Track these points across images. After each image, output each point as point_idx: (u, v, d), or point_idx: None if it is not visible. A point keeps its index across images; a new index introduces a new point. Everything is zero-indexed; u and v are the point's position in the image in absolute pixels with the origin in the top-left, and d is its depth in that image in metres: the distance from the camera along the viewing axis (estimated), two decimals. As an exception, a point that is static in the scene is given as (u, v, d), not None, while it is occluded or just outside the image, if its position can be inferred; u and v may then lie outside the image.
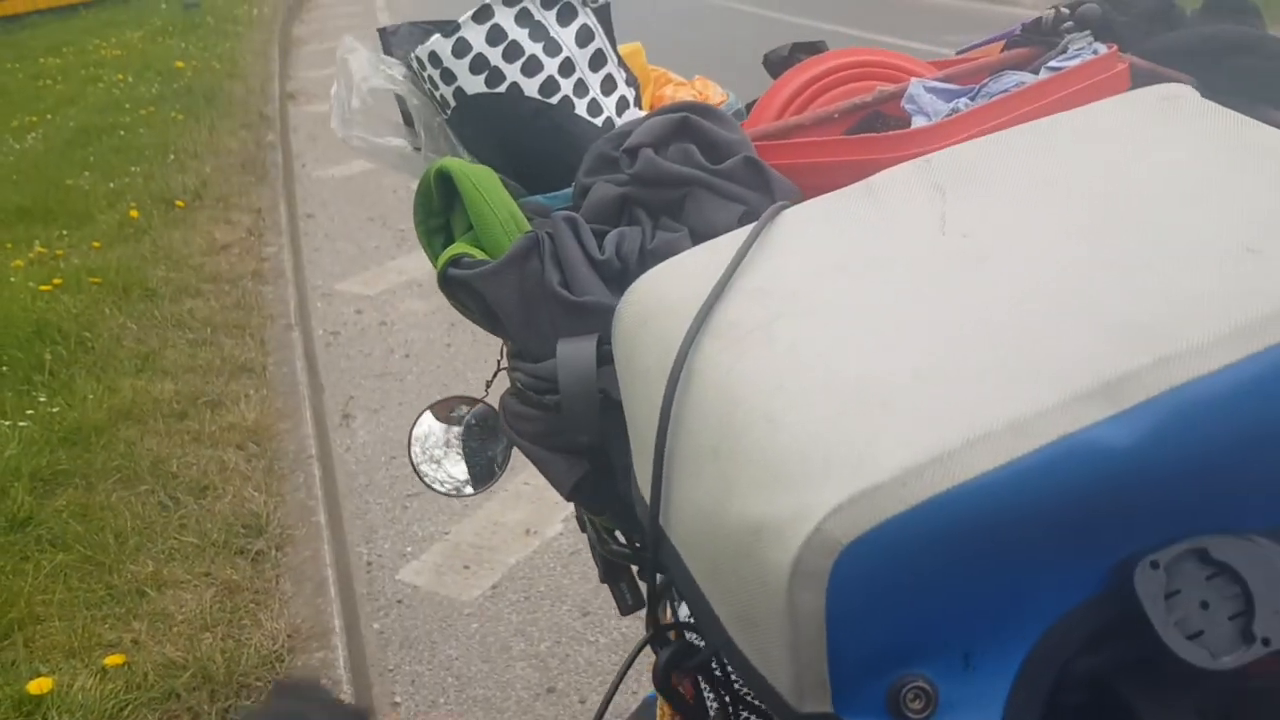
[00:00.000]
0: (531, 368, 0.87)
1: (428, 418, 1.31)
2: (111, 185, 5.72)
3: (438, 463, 1.34)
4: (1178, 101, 0.69)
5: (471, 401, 1.30)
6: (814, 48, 1.12)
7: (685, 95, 1.14)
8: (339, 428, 3.66)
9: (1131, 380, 0.50)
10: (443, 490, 1.32)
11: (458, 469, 1.32)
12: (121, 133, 6.87)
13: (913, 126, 0.91)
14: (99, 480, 2.98)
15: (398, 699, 2.49)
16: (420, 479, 1.30)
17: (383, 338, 4.27)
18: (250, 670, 2.32)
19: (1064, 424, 0.49)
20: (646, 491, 0.64)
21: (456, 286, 0.89)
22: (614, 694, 0.69)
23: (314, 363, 4.06)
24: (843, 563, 0.48)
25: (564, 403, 0.81)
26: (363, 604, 2.77)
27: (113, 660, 2.28)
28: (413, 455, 1.30)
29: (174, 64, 9.05)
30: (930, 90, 0.93)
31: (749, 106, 1.14)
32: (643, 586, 1.08)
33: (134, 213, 5.23)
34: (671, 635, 0.77)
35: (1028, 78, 0.92)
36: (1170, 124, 0.67)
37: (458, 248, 0.90)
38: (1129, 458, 0.49)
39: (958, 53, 1.20)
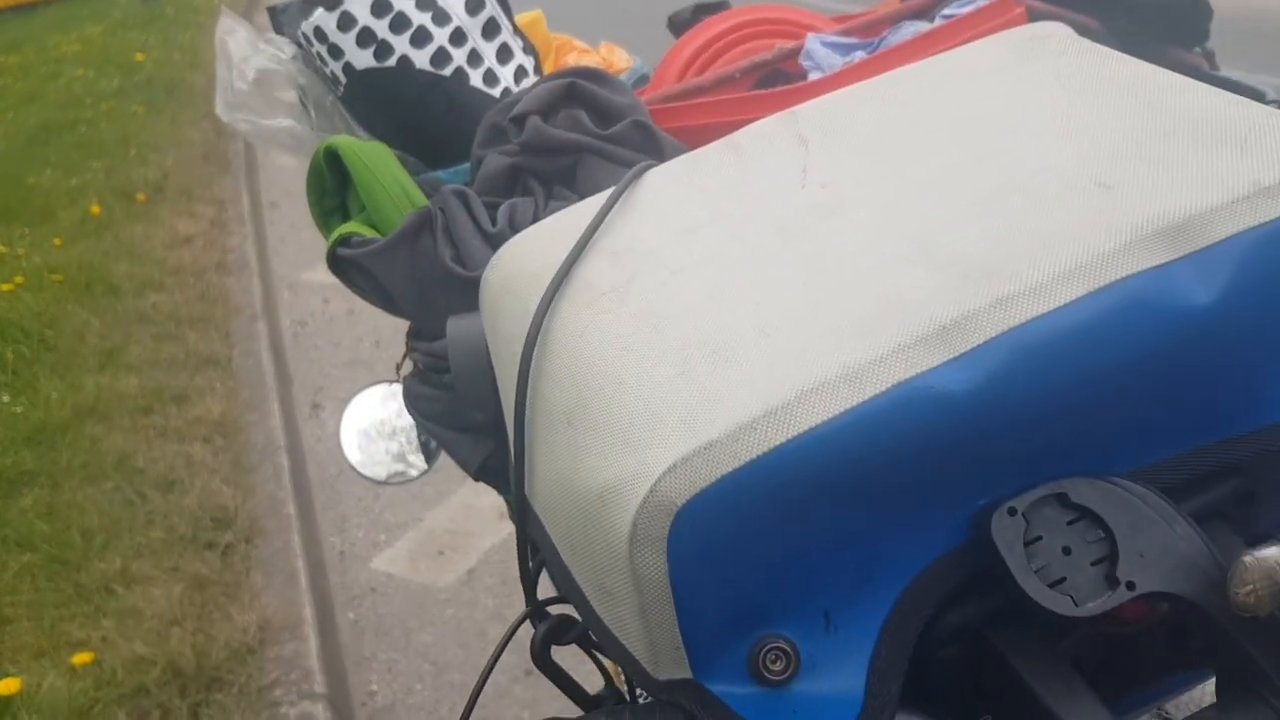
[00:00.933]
0: (428, 346, 0.86)
1: (355, 409, 1.29)
2: (73, 182, 5.66)
3: (379, 452, 1.32)
4: (1046, 40, 0.67)
5: (390, 384, 1.28)
6: (716, 7, 1.09)
7: (589, 62, 1.12)
8: (309, 418, 3.63)
9: (969, 322, 0.48)
10: (390, 480, 1.31)
11: (401, 453, 1.31)
12: (82, 128, 6.79)
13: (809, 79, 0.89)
14: (64, 479, 2.95)
15: (374, 687, 2.48)
16: (360, 475, 1.29)
17: (351, 326, 4.24)
18: (221, 664, 2.31)
19: (899, 370, 0.47)
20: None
21: (347, 266, 0.87)
22: (489, 673, 0.67)
23: (281, 353, 4.03)
24: (679, 523, 0.47)
25: (456, 381, 0.79)
26: (336, 594, 2.76)
27: (81, 658, 2.27)
28: (348, 453, 1.28)
29: (134, 57, 8.94)
30: (827, 45, 0.91)
31: (660, 71, 1.12)
32: None
33: (95, 209, 5.17)
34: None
35: (926, 27, 0.90)
36: (1035, 61, 0.65)
37: (348, 227, 0.88)
38: (971, 402, 0.47)
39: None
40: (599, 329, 0.56)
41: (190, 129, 6.77)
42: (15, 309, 3.97)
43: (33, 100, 7.96)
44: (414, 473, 1.31)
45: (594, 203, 0.67)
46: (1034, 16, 0.90)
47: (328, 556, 2.91)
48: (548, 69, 1.12)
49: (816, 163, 0.62)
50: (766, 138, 0.66)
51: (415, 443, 1.30)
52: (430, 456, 1.28)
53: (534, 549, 0.63)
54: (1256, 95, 0.91)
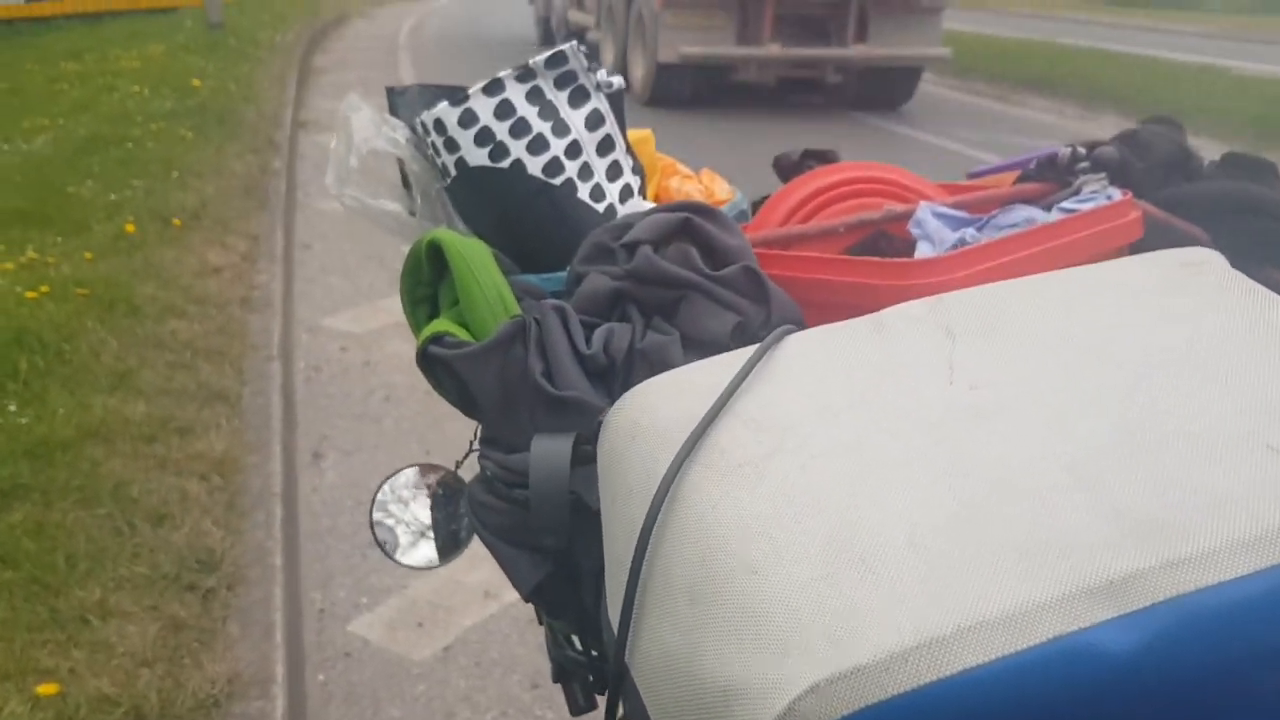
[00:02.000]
0: (503, 458, 0.84)
1: (391, 486, 1.27)
2: (112, 197, 5.70)
3: (401, 532, 1.30)
4: (1201, 268, 0.67)
5: (438, 470, 1.27)
6: (825, 156, 1.10)
7: (691, 189, 1.13)
8: (309, 466, 3.60)
9: (1138, 581, 0.47)
10: (406, 562, 1.28)
11: (422, 539, 1.28)
12: (129, 145, 6.87)
13: (917, 252, 0.89)
14: (58, 499, 2.91)
15: (333, 757, 2.41)
16: (381, 550, 1.26)
17: (364, 378, 4.22)
18: (185, 714, 2.24)
19: (1063, 621, 0.46)
20: (616, 618, 0.61)
21: (436, 365, 0.86)
22: None
23: (291, 397, 4.01)
24: None
25: (533, 501, 0.77)
26: (310, 653, 2.69)
27: (46, 689, 2.20)
28: (374, 525, 1.26)
29: (191, 81, 9.10)
30: (938, 216, 0.92)
31: (755, 205, 1.13)
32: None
33: (130, 226, 5.20)
34: None
35: (1038, 215, 0.91)
36: (1193, 292, 0.65)
37: (441, 324, 0.88)
38: (1133, 664, 0.46)
39: (969, 176, 1.19)
40: (734, 505, 0.54)
41: (235, 160, 6.85)
42: (36, 318, 3.96)
43: (86, 110, 8.09)
44: (433, 561, 1.29)
45: (729, 360, 0.66)
46: (1149, 223, 0.90)
47: (307, 613, 2.85)
48: (650, 189, 1.13)
49: (964, 360, 0.61)
50: (912, 321, 0.66)
51: (436, 535, 1.28)
52: (451, 552, 1.26)
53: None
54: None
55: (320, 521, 3.28)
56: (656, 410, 0.64)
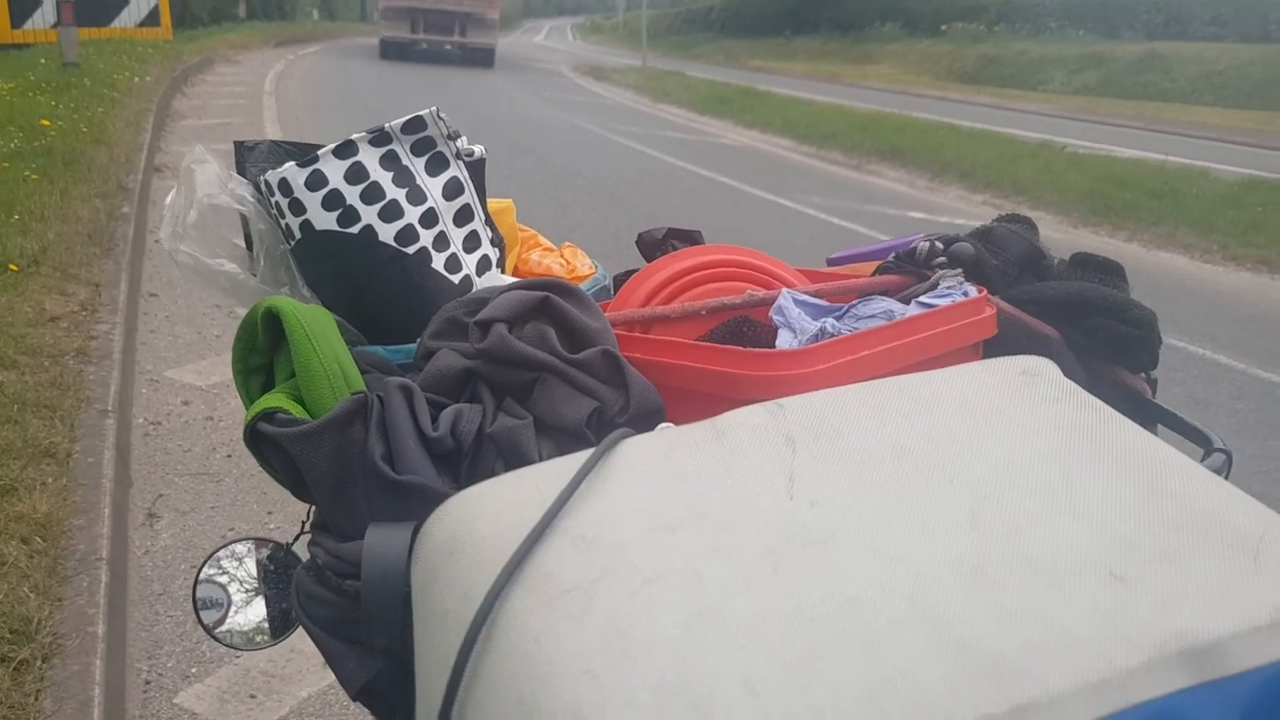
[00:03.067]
0: (335, 546, 0.78)
1: (218, 561, 1.19)
2: (-56, 238, 5.34)
3: (229, 611, 1.21)
4: (1038, 380, 0.67)
5: (268, 544, 1.19)
6: (689, 236, 1.09)
7: (552, 263, 1.10)
8: (141, 527, 3.39)
9: None
10: (231, 643, 1.19)
11: (252, 617, 1.20)
12: (-33, 186, 6.47)
13: (779, 340, 0.88)
14: None
15: (153, 847, 2.23)
16: (206, 631, 1.17)
17: (207, 434, 4.02)
18: (-14, 803, 2.04)
19: None
20: None
21: (265, 443, 0.80)
22: None
23: (125, 454, 3.78)
24: None
25: (364, 595, 0.72)
26: (132, 730, 2.51)
27: None
28: (198, 604, 1.17)
29: (39, 121, 8.66)
30: (799, 303, 0.91)
31: (619, 281, 1.10)
32: None
33: (-40, 269, 4.87)
34: None
35: (896, 307, 0.91)
36: (1031, 404, 0.65)
37: (273, 399, 0.81)
38: None
39: (828, 262, 1.19)
40: (557, 638, 0.50)
41: (81, 204, 6.53)
42: None
43: (-80, 145, 7.60)
44: (264, 642, 1.20)
45: (563, 468, 0.62)
46: (1003, 320, 0.91)
47: (130, 685, 2.66)
48: (510, 261, 1.09)
49: (805, 472, 0.58)
50: (753, 430, 0.63)
51: (268, 612, 1.20)
52: (280, 632, 1.18)
53: None
54: (1202, 439, 0.94)
55: (151, 586, 3.08)
56: (478, 524, 0.59)
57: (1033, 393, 0.66)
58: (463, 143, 0.98)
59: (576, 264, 1.10)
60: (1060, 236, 7.77)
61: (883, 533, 0.54)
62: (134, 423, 4.10)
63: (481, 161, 1.01)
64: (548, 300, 0.83)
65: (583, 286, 1.05)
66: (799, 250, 6.79)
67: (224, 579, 1.22)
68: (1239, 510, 0.55)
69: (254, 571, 1.20)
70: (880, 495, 0.57)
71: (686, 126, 14.12)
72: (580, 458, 0.60)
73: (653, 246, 1.10)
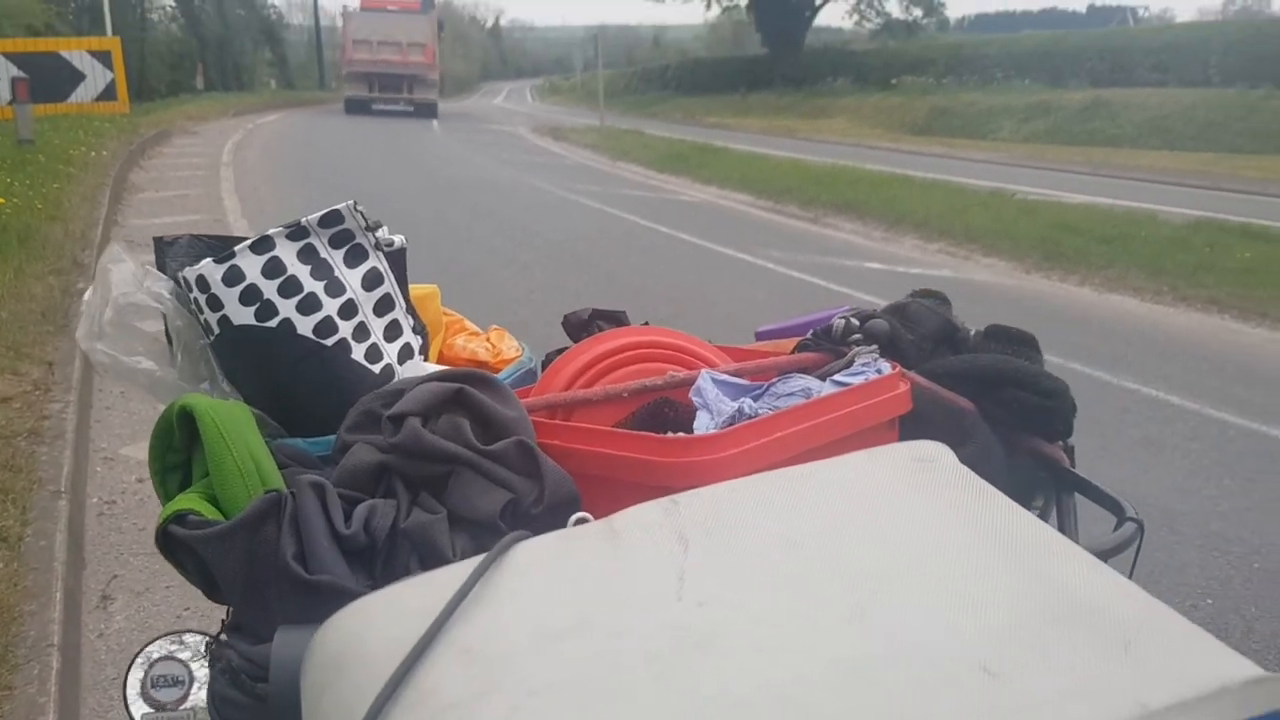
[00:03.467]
0: (248, 649, 0.77)
1: (147, 657, 1.16)
2: (-108, 320, 5.27)
3: (164, 709, 1.18)
4: (931, 466, 0.68)
5: (199, 635, 1.17)
6: (613, 317, 1.10)
7: (477, 347, 1.10)
8: (95, 609, 3.32)
9: None
10: None
11: (190, 708, 1.17)
12: (-82, 266, 6.41)
13: (697, 421, 0.89)
14: None
15: None
16: None
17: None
18: None
19: None
20: None
21: (177, 547, 0.79)
22: None
23: (79, 535, 3.71)
24: None
25: (272, 700, 0.71)
26: (82, 828, 2.43)
27: None
28: (128, 705, 1.15)
29: (-6, 198, 8.62)
30: (718, 383, 0.92)
31: (551, 358, 1.11)
32: None
33: (-93, 350, 4.80)
34: None
35: (814, 384, 0.92)
36: (922, 492, 0.65)
37: (185, 500, 0.81)
38: None
39: (757, 335, 1.20)
40: None
41: (35, 282, 6.47)
42: None
43: None
44: None
45: (455, 576, 0.61)
46: (918, 396, 0.93)
47: (84, 775, 2.59)
48: (435, 347, 1.10)
49: (695, 571, 0.58)
50: (647, 528, 0.63)
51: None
52: None
53: None
54: (1115, 507, 0.95)
55: (105, 671, 3.00)
56: (366, 637, 0.59)
57: (925, 479, 0.66)
58: (383, 233, 0.99)
59: (502, 347, 1.10)
60: (1013, 283, 7.89)
61: (767, 632, 0.54)
62: (88, 502, 4.03)
63: (402, 251, 1.01)
64: (462, 392, 0.83)
65: (508, 370, 1.06)
66: (758, 305, 6.84)
67: (157, 675, 1.19)
68: (1118, 600, 0.56)
69: (184, 665, 1.18)
70: (768, 593, 0.57)
71: (645, 184, 14.26)
72: (472, 564, 0.60)
73: (578, 327, 1.10)
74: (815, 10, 37.34)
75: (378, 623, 0.59)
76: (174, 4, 32.38)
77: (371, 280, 0.98)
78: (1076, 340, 6.02)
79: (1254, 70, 20.78)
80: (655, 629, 0.54)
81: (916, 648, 0.52)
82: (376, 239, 0.98)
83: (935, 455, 0.69)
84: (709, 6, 42.54)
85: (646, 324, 1.16)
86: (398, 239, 1.00)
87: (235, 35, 35.95)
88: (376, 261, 0.98)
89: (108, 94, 17.13)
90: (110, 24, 18.15)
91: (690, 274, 7.98)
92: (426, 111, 26.49)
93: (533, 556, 0.62)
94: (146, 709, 1.17)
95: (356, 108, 26.37)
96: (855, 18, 40.47)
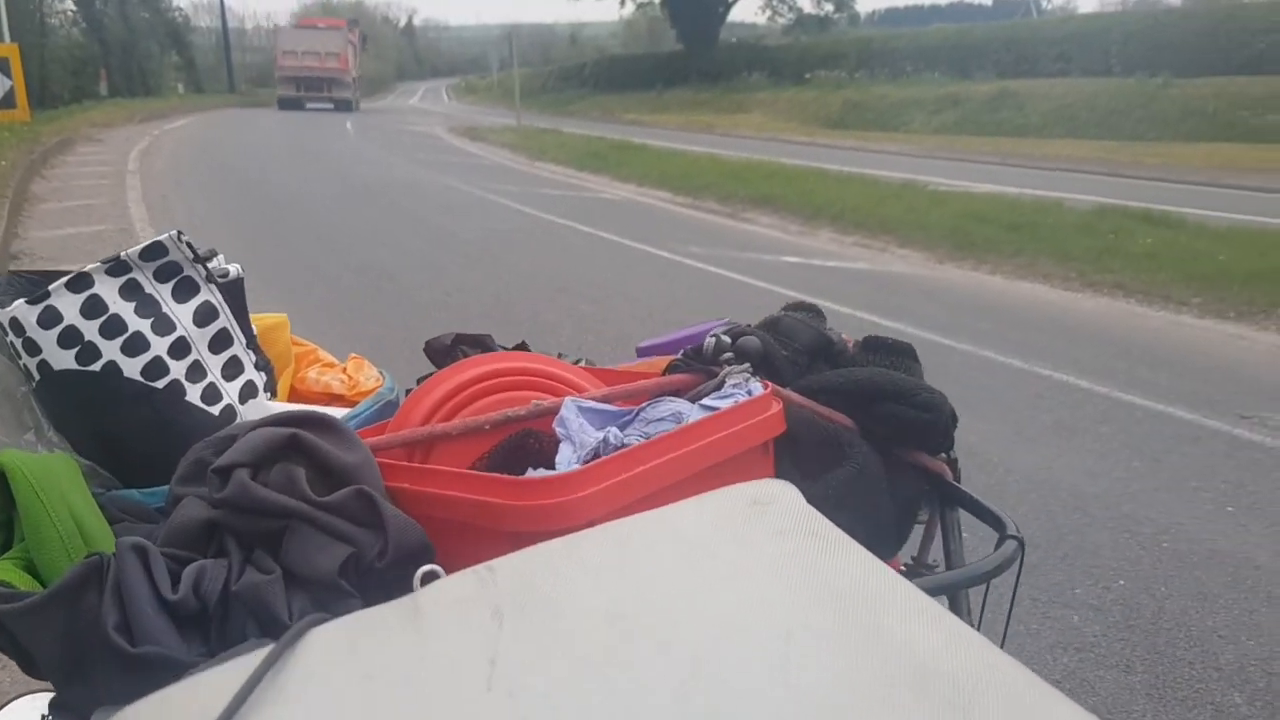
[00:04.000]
0: None
1: None
2: None
3: None
4: (768, 509, 0.63)
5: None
6: (479, 341, 1.04)
7: (331, 379, 1.03)
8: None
9: None
10: None
11: None
12: None
13: (559, 453, 0.83)
14: None
15: None
16: None
17: None
18: None
19: None
20: None
21: None
22: None
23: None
24: None
25: None
26: None
27: None
28: None
29: None
30: (584, 411, 0.86)
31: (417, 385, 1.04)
32: None
33: None
34: None
35: (684, 408, 0.87)
36: (756, 542, 0.60)
37: (-6, 570, 0.73)
38: None
39: (638, 351, 1.15)
40: None
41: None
42: None
43: None
44: None
45: (236, 674, 0.54)
46: (792, 416, 0.88)
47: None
48: (285, 382, 1.02)
49: (509, 653, 0.53)
50: (456, 605, 0.57)
51: None
52: None
53: None
54: (997, 523, 0.92)
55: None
56: None
57: (760, 526, 0.62)
58: (217, 262, 0.91)
59: (359, 378, 1.04)
60: (927, 273, 7.98)
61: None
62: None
63: (239, 281, 0.94)
64: (296, 437, 0.76)
65: (365, 403, 0.99)
66: (679, 301, 6.82)
67: None
68: (958, 658, 0.52)
69: None
70: (586, 675, 0.51)
71: (564, 183, 14.18)
72: (254, 660, 0.54)
73: (441, 354, 1.04)
74: (728, 6, 37.52)
75: None
76: (75, 8, 31.42)
77: (204, 315, 0.90)
78: (989, 328, 6.11)
79: (1153, 59, 21.36)
80: None
81: None
82: (208, 270, 0.90)
83: (774, 496, 0.65)
84: (623, 4, 42.67)
85: (522, 345, 1.10)
86: (233, 269, 0.93)
87: (140, 39, 34.91)
88: (209, 295, 0.91)
89: (6, 102, 16.51)
90: (7, 30, 17.46)
91: (611, 272, 7.93)
92: (345, 107, 32.99)
93: (323, 650, 0.55)
94: None
95: (288, 104, 33.04)
96: (768, 13, 40.84)
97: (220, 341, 0.91)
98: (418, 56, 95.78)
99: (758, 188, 12.02)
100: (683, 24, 37.28)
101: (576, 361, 1.06)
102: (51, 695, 1.11)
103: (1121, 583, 3.16)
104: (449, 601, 0.57)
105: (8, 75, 16.46)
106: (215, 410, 0.90)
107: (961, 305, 6.72)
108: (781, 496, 0.64)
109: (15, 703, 1.12)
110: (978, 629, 0.92)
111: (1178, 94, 19.42)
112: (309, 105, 32.93)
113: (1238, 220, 9.80)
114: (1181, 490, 3.85)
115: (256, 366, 0.94)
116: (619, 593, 0.56)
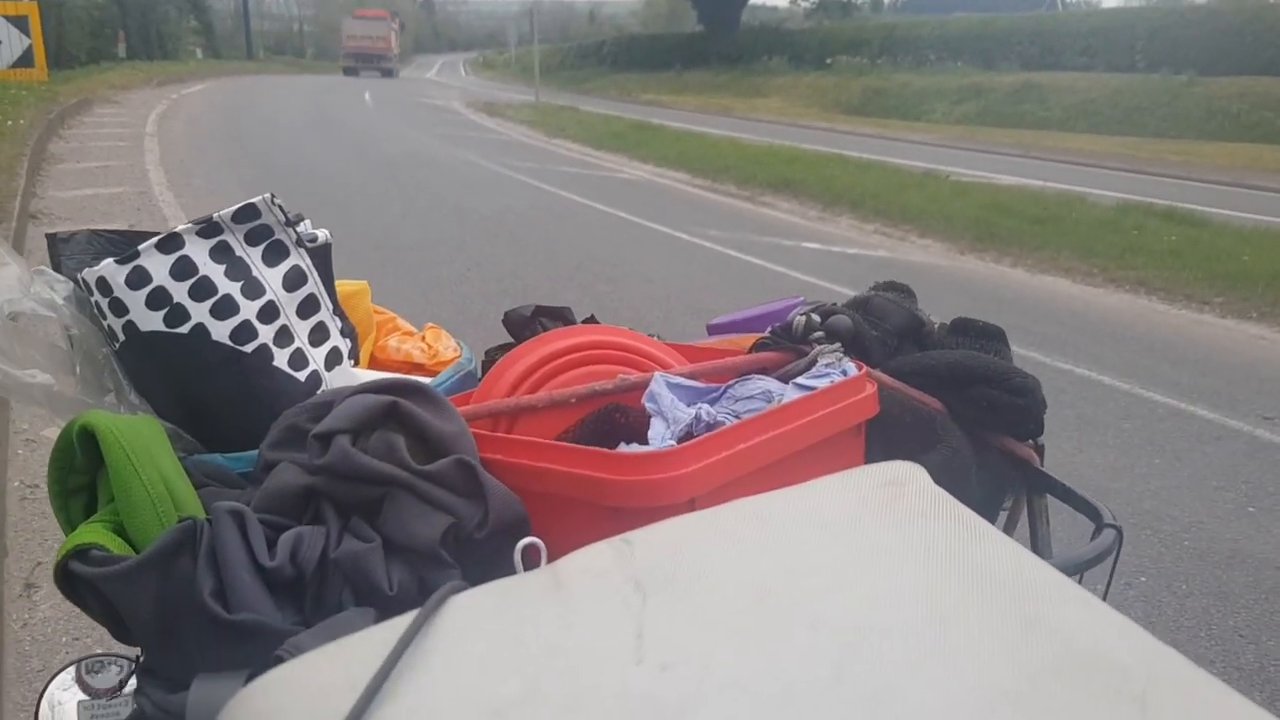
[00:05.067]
0: (163, 698, 0.69)
1: (59, 687, 1.08)
2: None
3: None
4: (904, 491, 0.62)
5: (116, 660, 1.08)
6: (558, 314, 1.03)
7: (411, 348, 1.02)
8: (18, 599, 3.18)
9: None
10: None
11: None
12: None
13: (651, 429, 0.83)
14: None
15: None
16: None
17: (85, 500, 3.81)
18: None
19: None
20: None
21: (80, 585, 0.71)
22: None
23: (0, 522, 3.55)
24: None
25: None
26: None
27: None
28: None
29: None
30: (673, 387, 0.85)
31: (489, 359, 1.03)
32: None
33: None
34: None
35: (774, 387, 0.86)
36: (898, 523, 0.59)
37: (88, 532, 0.72)
38: None
39: (709, 328, 1.14)
40: None
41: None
42: None
43: None
44: None
45: (379, 640, 0.53)
46: (885, 398, 0.87)
47: (14, 768, 2.47)
48: (365, 349, 1.02)
49: (655, 627, 0.52)
50: (597, 577, 0.56)
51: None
52: None
53: None
54: (1092, 512, 0.91)
55: (29, 662, 2.88)
56: (278, 716, 0.51)
57: (899, 508, 0.61)
58: (305, 227, 0.90)
59: (439, 347, 1.03)
60: (948, 264, 7.94)
61: (742, 701, 0.47)
62: (9, 487, 3.87)
63: (327, 246, 0.93)
64: (396, 405, 0.76)
65: (446, 373, 0.98)
66: (696, 283, 6.80)
67: (72, 700, 1.10)
68: (1123, 645, 0.51)
69: (105, 687, 1.10)
70: (740, 651, 0.50)
71: (582, 161, 14.13)
72: (401, 624, 0.53)
73: (520, 325, 1.03)
74: (751, -12, 37.30)
75: (290, 704, 0.51)
76: (93, -32, 31.35)
77: (294, 279, 0.89)
78: (1011, 321, 6.05)
79: (1177, 56, 21.19)
80: (615, 701, 0.47)
81: (905, 713, 0.46)
82: (298, 234, 0.90)
83: (907, 478, 0.64)
84: (644, -18, 42.35)
85: (591, 319, 1.09)
86: (321, 233, 0.92)
87: (159, 2, 34.87)
88: (298, 259, 0.90)
89: (24, 61, 16.47)
90: (26, -13, 17.45)
91: (628, 252, 7.91)
92: (389, 74, 43.75)
93: (469, 615, 0.54)
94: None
95: (350, 72, 43.33)
96: (791, -3, 40.54)
97: (308, 307, 0.90)
98: (435, 29, 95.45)
99: (777, 172, 11.96)
100: (703, 5, 37.04)
101: (653, 337, 1.05)
102: (124, 661, 1.11)
103: (1143, 579, 3.16)
104: (588, 573, 0.56)
105: (26, 33, 16.41)
106: (301, 376, 0.89)
107: (983, 297, 6.69)
108: (916, 479, 0.63)
109: (64, 674, 1.12)
110: None
111: (1202, 92, 19.25)
112: (361, 73, 43.51)
113: (1262, 221, 9.73)
114: (1203, 489, 3.84)
115: (342, 333, 0.93)
116: (766, 566, 0.55)
